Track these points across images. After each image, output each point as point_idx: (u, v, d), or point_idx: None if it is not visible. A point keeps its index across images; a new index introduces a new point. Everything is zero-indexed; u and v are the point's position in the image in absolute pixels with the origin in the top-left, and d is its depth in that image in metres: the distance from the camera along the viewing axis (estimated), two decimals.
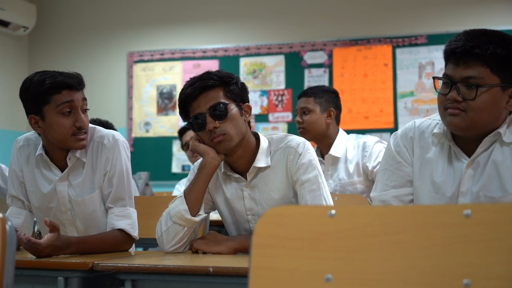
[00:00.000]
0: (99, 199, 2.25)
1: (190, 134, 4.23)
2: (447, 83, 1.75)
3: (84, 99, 2.20)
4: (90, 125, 2.26)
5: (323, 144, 3.34)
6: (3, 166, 2.97)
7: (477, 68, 1.70)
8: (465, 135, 1.78)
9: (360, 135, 3.37)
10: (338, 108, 3.40)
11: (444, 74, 1.77)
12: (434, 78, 1.80)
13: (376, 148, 3.19)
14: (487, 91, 1.70)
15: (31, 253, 1.95)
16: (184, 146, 4.48)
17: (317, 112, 3.31)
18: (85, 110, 2.20)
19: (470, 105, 1.71)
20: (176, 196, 2.18)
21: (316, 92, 3.37)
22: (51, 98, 2.12)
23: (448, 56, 1.76)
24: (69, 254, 2.02)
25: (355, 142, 3.28)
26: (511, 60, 1.71)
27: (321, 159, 3.32)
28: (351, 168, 3.23)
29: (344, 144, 3.30)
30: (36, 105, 2.14)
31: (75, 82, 2.16)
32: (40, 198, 2.27)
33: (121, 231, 2.21)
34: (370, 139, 3.28)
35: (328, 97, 3.36)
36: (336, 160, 3.28)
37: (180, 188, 4.44)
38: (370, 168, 3.17)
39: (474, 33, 1.73)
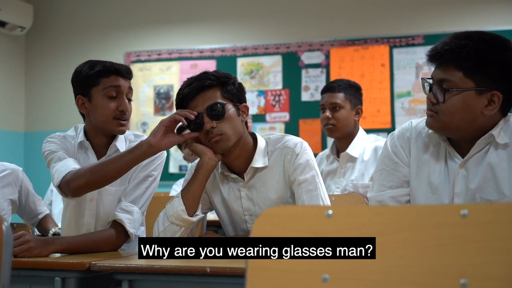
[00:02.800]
0: None
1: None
2: (427, 84, 1.79)
3: (130, 88, 2.31)
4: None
5: (343, 142, 3.22)
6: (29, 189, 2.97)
7: (449, 71, 1.71)
8: (446, 136, 1.81)
9: (380, 138, 3.28)
10: (361, 104, 3.30)
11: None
12: (422, 79, 1.82)
13: None
14: (457, 94, 1.70)
15: (18, 251, 1.91)
16: (182, 145, 4.48)
17: (348, 109, 3.19)
18: (129, 100, 2.30)
19: (441, 108, 1.73)
20: (173, 196, 2.18)
21: (345, 87, 3.22)
22: (100, 80, 2.24)
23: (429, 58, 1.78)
24: (61, 249, 2.03)
25: (373, 144, 3.18)
26: (487, 64, 1.68)
27: (335, 156, 3.25)
28: (367, 170, 3.13)
29: (363, 144, 3.19)
30: (85, 86, 2.26)
31: (123, 70, 2.28)
32: None
33: (118, 225, 2.21)
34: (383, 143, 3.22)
35: (355, 93, 3.24)
36: (352, 159, 3.18)
37: (177, 188, 4.43)
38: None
39: (456, 36, 1.73)
